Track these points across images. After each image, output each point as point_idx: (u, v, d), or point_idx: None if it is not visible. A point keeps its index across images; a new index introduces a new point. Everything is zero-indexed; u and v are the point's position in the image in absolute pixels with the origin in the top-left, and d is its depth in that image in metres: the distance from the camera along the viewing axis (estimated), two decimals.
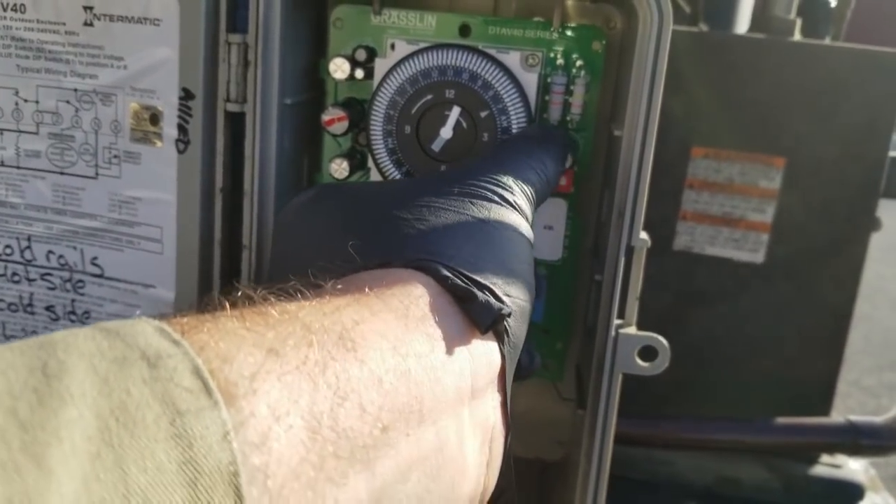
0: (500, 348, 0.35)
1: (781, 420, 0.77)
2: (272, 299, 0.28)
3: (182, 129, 0.49)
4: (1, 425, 0.19)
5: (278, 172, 0.49)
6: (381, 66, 0.48)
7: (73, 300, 0.54)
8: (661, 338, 0.46)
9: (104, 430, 0.20)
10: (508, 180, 0.40)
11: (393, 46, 0.49)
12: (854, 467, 0.83)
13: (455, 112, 0.47)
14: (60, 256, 0.53)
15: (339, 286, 0.31)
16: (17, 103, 0.52)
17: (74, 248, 0.53)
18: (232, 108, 0.48)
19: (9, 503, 0.18)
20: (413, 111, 0.47)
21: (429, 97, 0.47)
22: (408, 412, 0.28)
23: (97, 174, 0.52)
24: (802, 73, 0.74)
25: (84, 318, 0.54)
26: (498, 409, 0.35)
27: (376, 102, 0.47)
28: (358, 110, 0.51)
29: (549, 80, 0.49)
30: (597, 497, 0.49)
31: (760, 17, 0.78)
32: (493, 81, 0.46)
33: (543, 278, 0.52)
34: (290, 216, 0.42)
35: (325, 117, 0.49)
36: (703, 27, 0.90)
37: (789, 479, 0.81)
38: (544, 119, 0.50)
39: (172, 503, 0.20)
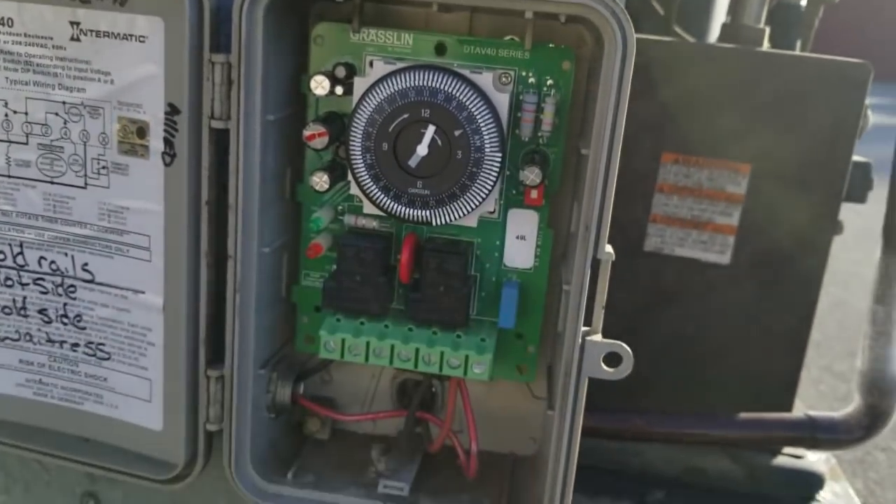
0: None
1: (745, 415, 0.81)
2: None
3: (168, 142, 0.51)
4: None
5: (262, 186, 0.51)
6: (360, 85, 0.50)
7: (65, 304, 0.56)
8: (624, 345, 0.49)
9: None
10: None
11: (371, 64, 0.51)
12: (814, 458, 0.87)
13: (430, 130, 0.49)
14: (52, 262, 0.55)
15: None
16: (6, 114, 0.54)
17: (66, 254, 0.55)
18: (217, 124, 0.50)
19: None
20: (391, 129, 0.49)
21: (405, 116, 0.49)
22: None
23: (86, 184, 0.54)
24: (769, 82, 0.76)
25: (76, 321, 0.56)
26: None
27: (355, 120, 0.50)
28: (338, 124, 0.53)
29: (520, 97, 0.51)
30: (564, 491, 0.52)
31: (731, 26, 0.81)
32: (467, 102, 0.49)
33: (516, 286, 0.54)
34: None
35: (307, 133, 0.51)
36: (678, 30, 0.92)
37: (752, 469, 0.85)
38: (516, 135, 0.52)
39: None
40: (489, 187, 0.49)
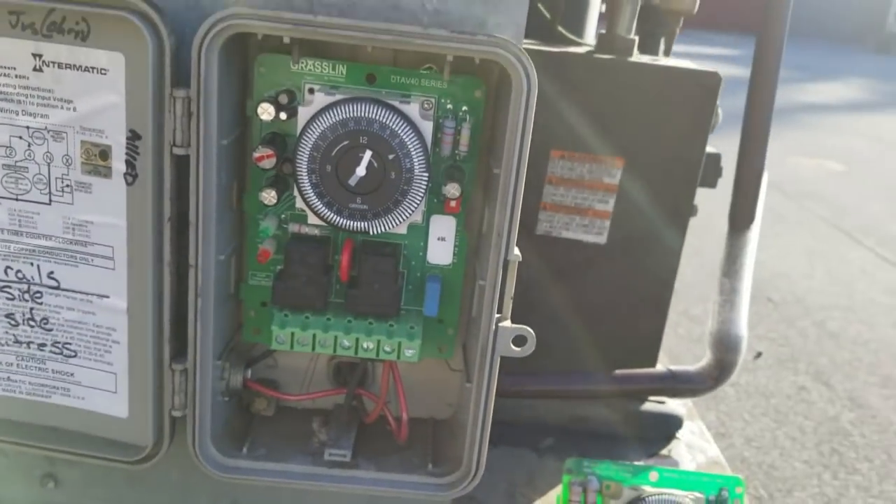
0: None
1: (619, 372, 0.95)
2: None
3: (130, 164, 0.57)
4: None
5: (217, 202, 0.58)
6: (304, 114, 0.58)
7: (31, 308, 0.61)
8: (529, 329, 0.60)
9: None
10: None
11: (312, 91, 0.59)
12: (675, 403, 1.04)
13: (368, 154, 0.57)
14: (18, 271, 0.60)
15: None
16: None
17: (31, 263, 0.60)
18: (178, 151, 0.56)
19: None
20: (333, 153, 0.57)
21: (346, 142, 0.57)
22: None
23: (51, 200, 0.59)
24: (637, 88, 0.89)
25: (42, 324, 0.61)
26: None
27: (301, 145, 0.57)
28: (281, 144, 0.60)
29: (441, 121, 0.61)
30: (481, 449, 0.63)
31: (606, 36, 0.93)
32: (399, 130, 0.57)
33: (438, 280, 0.64)
34: None
35: (256, 154, 0.58)
36: (561, 30, 1.04)
37: (626, 414, 1.00)
38: (436, 153, 0.61)
39: None
40: (418, 202, 0.59)
